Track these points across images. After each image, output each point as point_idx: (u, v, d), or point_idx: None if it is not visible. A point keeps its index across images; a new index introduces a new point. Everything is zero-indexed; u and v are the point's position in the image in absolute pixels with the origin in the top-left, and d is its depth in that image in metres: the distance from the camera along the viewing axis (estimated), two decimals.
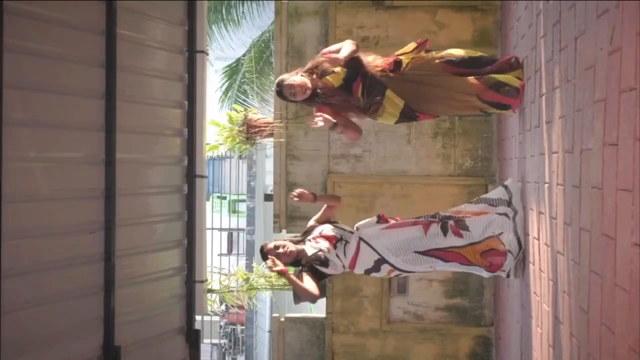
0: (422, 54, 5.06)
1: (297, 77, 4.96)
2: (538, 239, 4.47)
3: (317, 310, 10.80)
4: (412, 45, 5.11)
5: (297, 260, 4.91)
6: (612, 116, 2.79)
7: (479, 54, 5.19)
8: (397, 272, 5.05)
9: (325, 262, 4.85)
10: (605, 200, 2.88)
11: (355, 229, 5.05)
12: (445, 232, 4.90)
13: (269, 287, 8.45)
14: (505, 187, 5.19)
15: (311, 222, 5.16)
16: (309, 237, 5.01)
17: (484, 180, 7.04)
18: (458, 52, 5.09)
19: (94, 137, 5.17)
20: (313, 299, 4.76)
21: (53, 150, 4.86)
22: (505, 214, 4.93)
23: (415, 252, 4.92)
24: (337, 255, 4.92)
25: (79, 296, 5.04)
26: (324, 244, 4.90)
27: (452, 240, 4.88)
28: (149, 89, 5.85)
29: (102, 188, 5.20)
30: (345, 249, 4.95)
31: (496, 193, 5.20)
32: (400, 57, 5.04)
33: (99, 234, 5.18)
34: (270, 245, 4.91)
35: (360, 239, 4.97)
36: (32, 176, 4.70)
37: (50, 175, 4.82)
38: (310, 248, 4.90)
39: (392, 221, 5.07)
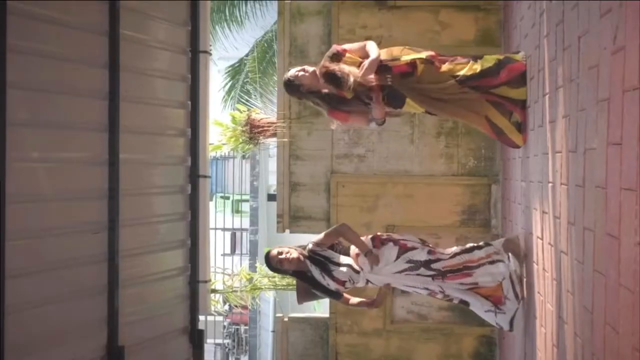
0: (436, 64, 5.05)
1: (306, 76, 5.11)
2: (542, 239, 4.46)
3: (321, 310, 10.81)
4: (425, 53, 5.08)
5: (300, 271, 5.00)
6: (615, 115, 2.79)
7: (488, 64, 5.08)
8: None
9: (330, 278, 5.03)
10: (609, 199, 2.88)
11: (360, 268, 5.03)
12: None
13: (272, 287, 8.44)
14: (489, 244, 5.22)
15: (312, 242, 5.12)
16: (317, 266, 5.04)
17: (487, 180, 7.03)
18: (468, 70, 5.03)
19: (98, 137, 5.17)
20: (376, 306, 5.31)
21: (56, 151, 4.86)
22: (499, 260, 5.00)
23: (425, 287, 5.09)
24: (345, 288, 5.09)
25: (82, 296, 5.04)
26: (333, 285, 5.02)
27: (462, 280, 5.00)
28: (152, 89, 5.85)
29: (106, 188, 5.21)
30: (354, 284, 5.10)
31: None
32: (415, 60, 5.02)
33: (102, 234, 5.18)
34: (274, 251, 5.03)
35: (368, 280, 5.08)
36: (36, 176, 4.70)
37: (54, 175, 4.82)
38: (318, 275, 5.01)
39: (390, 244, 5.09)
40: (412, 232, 6.51)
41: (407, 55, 5.03)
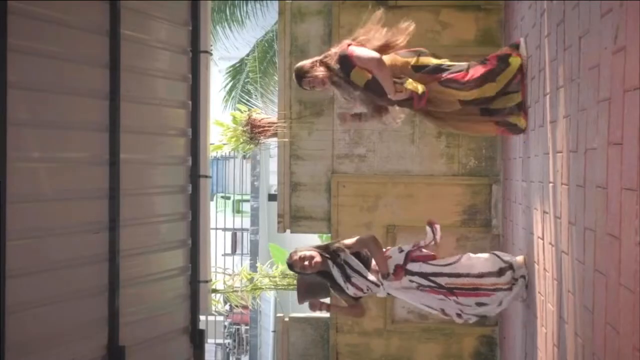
0: (437, 86, 4.94)
1: (318, 72, 4.93)
2: (542, 239, 4.46)
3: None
4: (430, 61, 4.99)
5: (321, 271, 4.98)
6: (616, 115, 2.79)
7: (490, 92, 4.99)
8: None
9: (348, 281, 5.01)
10: (609, 199, 2.88)
11: (380, 282, 5.00)
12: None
13: (273, 287, 8.44)
14: (497, 255, 5.13)
15: (341, 243, 5.09)
16: (338, 269, 5.02)
17: (488, 180, 7.03)
18: (473, 94, 4.95)
19: (98, 137, 5.18)
20: (361, 315, 5.49)
21: (57, 151, 4.87)
22: (504, 290, 4.95)
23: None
24: (364, 293, 5.08)
25: (83, 296, 5.04)
26: (352, 290, 5.01)
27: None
28: (153, 89, 5.85)
29: (106, 188, 5.21)
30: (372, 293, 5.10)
31: (487, 265, 5.05)
32: (420, 91, 4.86)
33: (103, 234, 5.19)
34: (296, 257, 4.98)
35: (388, 293, 5.09)
36: (37, 176, 4.70)
37: (55, 175, 4.83)
38: (339, 277, 4.99)
39: (388, 252, 5.08)
40: (412, 233, 6.52)
41: (410, 80, 4.87)
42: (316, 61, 4.97)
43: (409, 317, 7.22)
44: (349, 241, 5.03)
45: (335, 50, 4.92)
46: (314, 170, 7.27)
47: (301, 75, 4.98)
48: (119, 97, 5.26)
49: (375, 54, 4.78)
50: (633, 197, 2.55)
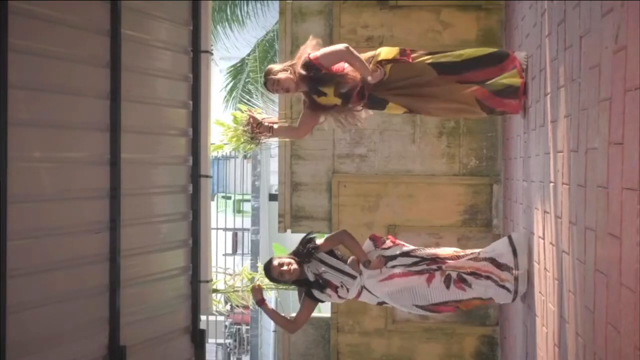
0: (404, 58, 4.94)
1: (283, 75, 4.91)
2: (543, 238, 4.46)
3: (322, 310, 10.79)
4: (394, 51, 4.99)
5: (299, 280, 4.99)
6: (617, 115, 2.79)
7: (474, 54, 5.03)
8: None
9: (323, 287, 4.98)
10: (610, 199, 2.87)
11: (357, 273, 4.99)
12: (448, 285, 4.90)
13: (273, 287, 8.44)
14: (510, 238, 5.09)
15: (313, 245, 5.08)
16: (311, 268, 5.02)
17: (488, 180, 7.03)
18: (445, 57, 4.97)
19: (99, 137, 5.18)
20: (290, 331, 5.36)
21: (58, 151, 4.87)
22: (505, 288, 4.89)
23: (415, 305, 4.98)
24: (338, 297, 5.03)
25: (84, 296, 5.04)
26: (328, 291, 5.01)
27: (455, 294, 4.91)
28: (154, 89, 5.85)
29: (107, 188, 5.21)
30: (348, 292, 5.03)
31: (500, 246, 5.07)
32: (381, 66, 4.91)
33: (104, 234, 5.19)
34: (275, 262, 5.02)
35: (363, 287, 5.01)
36: (37, 176, 4.70)
37: (55, 175, 4.83)
38: (311, 275, 5.00)
39: (388, 242, 5.06)
40: (413, 232, 6.53)
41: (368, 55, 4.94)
42: (286, 66, 4.97)
43: (410, 317, 7.21)
44: (319, 240, 5.07)
45: (298, 56, 4.93)
46: (315, 170, 7.27)
47: (266, 75, 4.99)
48: (119, 97, 5.26)
49: (340, 45, 4.84)
50: (634, 196, 2.55)
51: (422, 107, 5.12)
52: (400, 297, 4.96)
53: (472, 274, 4.89)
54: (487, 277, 4.88)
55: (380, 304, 5.14)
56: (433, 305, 4.96)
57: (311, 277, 4.98)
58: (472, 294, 4.90)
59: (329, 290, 4.98)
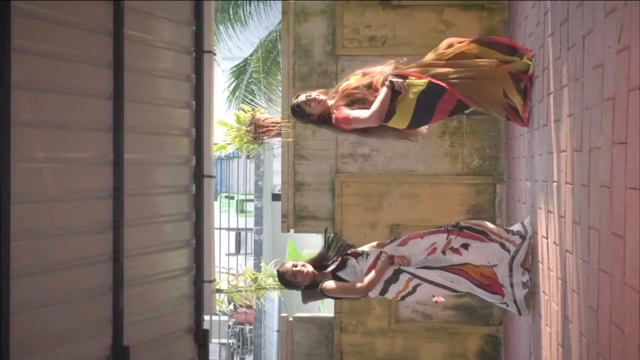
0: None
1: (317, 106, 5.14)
2: (547, 238, 4.46)
3: (326, 309, 10.81)
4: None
5: (313, 283, 4.98)
6: (620, 114, 2.78)
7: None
8: (415, 282, 4.94)
9: (343, 265, 4.96)
10: (614, 198, 2.87)
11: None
12: (444, 252, 4.94)
13: (277, 286, 8.45)
14: (523, 225, 5.13)
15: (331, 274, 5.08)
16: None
17: (492, 179, 7.03)
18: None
19: (102, 137, 5.18)
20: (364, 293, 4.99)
21: (61, 151, 4.87)
22: (505, 247, 4.90)
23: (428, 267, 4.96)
24: (357, 263, 4.98)
25: (87, 296, 5.04)
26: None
27: (451, 258, 4.92)
28: (157, 89, 5.85)
29: (110, 188, 5.21)
30: (367, 260, 4.99)
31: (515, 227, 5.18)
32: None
33: (107, 234, 5.19)
34: (288, 265, 5.05)
35: (381, 251, 4.99)
36: (41, 177, 4.70)
37: (59, 175, 4.83)
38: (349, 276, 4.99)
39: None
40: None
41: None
42: (331, 96, 5.16)
43: (414, 317, 7.22)
44: (335, 285, 4.95)
45: (331, 105, 5.11)
46: (318, 169, 7.27)
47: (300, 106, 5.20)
48: (122, 97, 5.26)
49: (366, 113, 4.94)
50: (637, 196, 2.55)
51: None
52: (419, 252, 4.96)
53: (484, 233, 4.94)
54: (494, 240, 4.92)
55: (397, 273, 4.93)
56: (444, 269, 4.93)
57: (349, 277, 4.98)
58: (466, 260, 4.91)
59: (351, 261, 4.96)
